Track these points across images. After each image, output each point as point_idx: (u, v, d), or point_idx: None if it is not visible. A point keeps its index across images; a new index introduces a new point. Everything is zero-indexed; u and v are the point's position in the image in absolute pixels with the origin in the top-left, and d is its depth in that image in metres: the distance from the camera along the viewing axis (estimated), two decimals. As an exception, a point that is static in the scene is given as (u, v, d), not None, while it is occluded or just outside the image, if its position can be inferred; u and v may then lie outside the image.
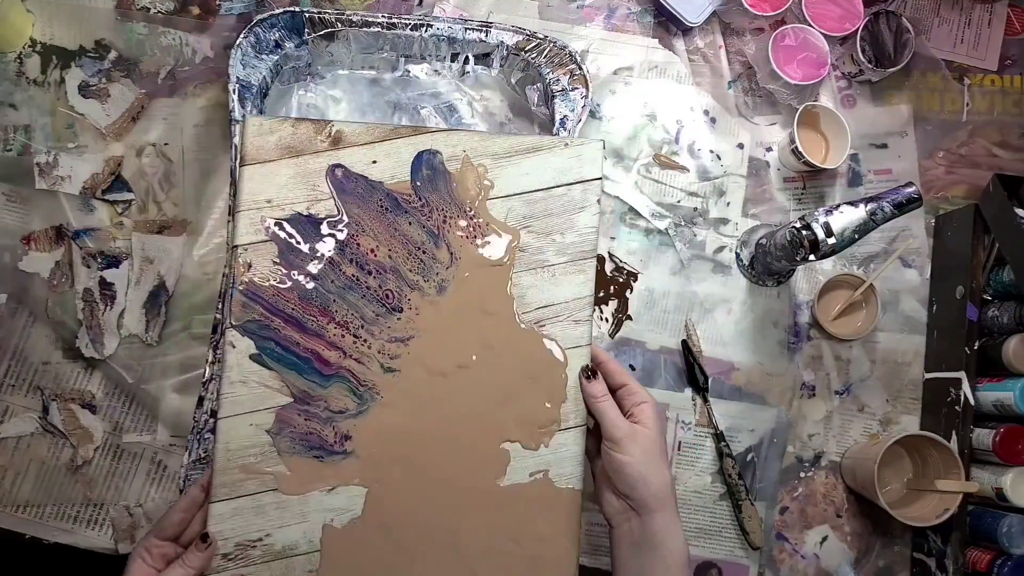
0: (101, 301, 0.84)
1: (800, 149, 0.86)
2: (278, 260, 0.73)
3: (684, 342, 0.88)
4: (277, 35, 0.83)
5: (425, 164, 0.75)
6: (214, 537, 0.66)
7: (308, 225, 0.73)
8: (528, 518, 0.71)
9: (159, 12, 0.89)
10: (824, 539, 0.86)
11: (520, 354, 0.73)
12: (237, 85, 0.81)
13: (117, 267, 0.85)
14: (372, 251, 0.74)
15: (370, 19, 0.83)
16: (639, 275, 0.89)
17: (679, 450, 0.86)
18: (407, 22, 0.84)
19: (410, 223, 0.74)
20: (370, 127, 0.74)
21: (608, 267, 0.89)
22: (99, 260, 0.85)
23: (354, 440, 0.71)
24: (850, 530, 0.86)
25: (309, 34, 0.83)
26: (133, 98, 0.87)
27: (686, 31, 0.93)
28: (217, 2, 0.89)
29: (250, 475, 0.70)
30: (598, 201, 0.75)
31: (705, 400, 0.87)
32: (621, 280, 0.89)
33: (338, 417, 0.72)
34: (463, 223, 0.74)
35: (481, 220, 0.74)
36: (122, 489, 0.82)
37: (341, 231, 0.73)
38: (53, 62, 0.87)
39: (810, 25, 0.89)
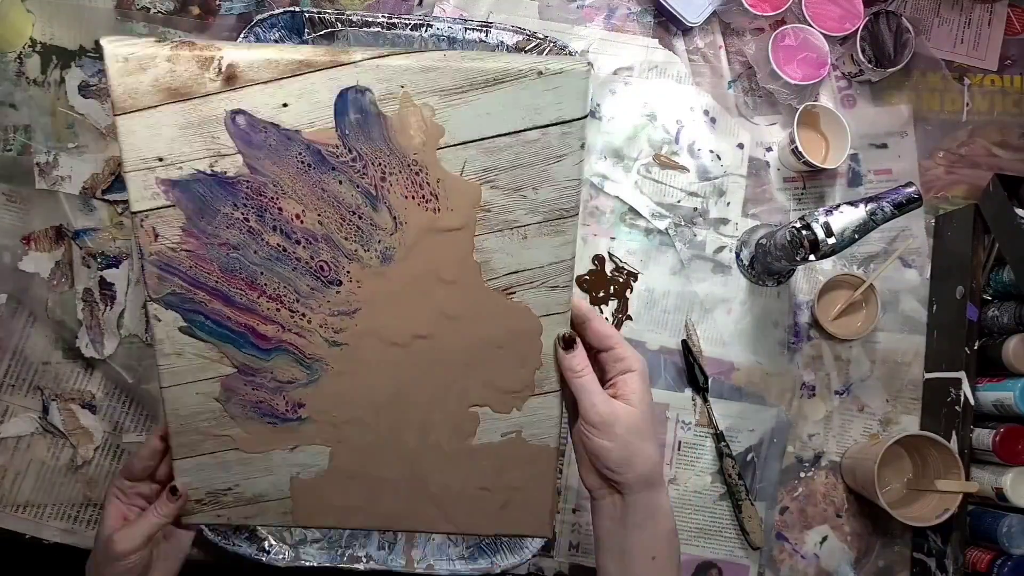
0: (101, 301, 0.84)
1: (800, 149, 0.86)
2: (187, 228, 0.63)
3: (684, 342, 0.88)
4: (277, 35, 0.83)
5: (352, 106, 0.61)
6: (184, 489, 0.66)
7: (215, 186, 0.63)
8: (500, 470, 0.68)
9: (159, 12, 0.89)
10: (824, 539, 0.86)
11: (487, 323, 0.65)
12: (237, 85, 0.80)
13: (117, 267, 0.85)
14: (297, 216, 0.64)
15: (370, 19, 0.83)
16: (639, 275, 0.89)
17: (679, 450, 0.86)
18: (407, 22, 0.84)
19: (340, 182, 0.63)
20: (271, 60, 0.60)
21: (608, 267, 0.89)
22: (99, 260, 0.85)
23: (308, 407, 0.67)
24: (850, 530, 0.86)
25: (309, 34, 0.83)
26: (133, 98, 0.87)
27: (686, 31, 0.93)
28: (217, 2, 0.89)
29: (207, 437, 0.67)
30: (582, 146, 0.62)
31: (705, 400, 0.87)
32: (621, 280, 0.89)
33: (288, 387, 0.67)
34: (406, 179, 0.62)
35: (430, 175, 0.62)
36: (122, 489, 0.82)
37: (258, 193, 0.63)
38: (53, 62, 0.87)
39: (810, 25, 0.89)
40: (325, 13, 0.83)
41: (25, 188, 0.85)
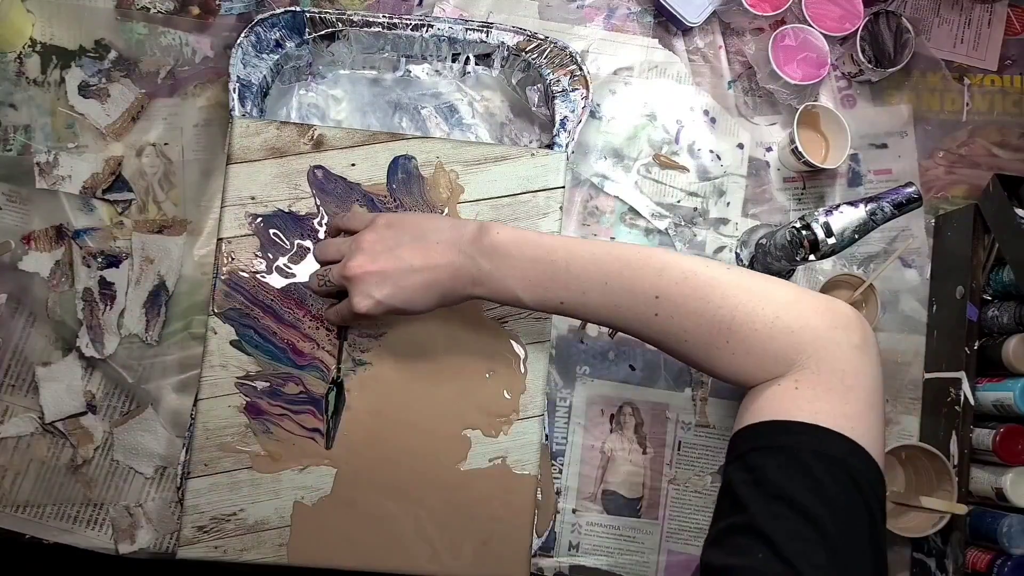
0: (101, 301, 0.84)
1: (800, 149, 0.86)
2: (259, 253, 0.77)
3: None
4: (278, 34, 0.83)
5: (400, 168, 0.79)
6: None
7: (289, 221, 0.78)
8: (486, 500, 0.75)
9: (159, 12, 0.89)
10: (824, 539, 0.86)
11: (483, 348, 0.77)
12: (238, 84, 0.81)
13: (117, 267, 0.85)
14: None
15: (371, 19, 0.83)
16: (639, 275, 0.89)
17: (679, 450, 0.86)
18: (407, 22, 0.84)
19: None
20: (350, 132, 0.79)
21: (608, 267, 0.89)
22: (99, 260, 0.85)
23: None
24: (850, 530, 0.86)
25: (310, 34, 0.83)
26: (133, 98, 0.87)
27: (686, 31, 0.93)
28: (217, 2, 0.89)
29: (227, 453, 0.74)
30: (560, 208, 0.80)
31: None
32: (621, 280, 0.89)
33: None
34: None
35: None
36: (122, 489, 0.82)
37: (320, 228, 0.77)
38: (53, 62, 0.87)
39: (810, 25, 0.89)
40: (326, 13, 0.83)
41: (25, 188, 0.85)
